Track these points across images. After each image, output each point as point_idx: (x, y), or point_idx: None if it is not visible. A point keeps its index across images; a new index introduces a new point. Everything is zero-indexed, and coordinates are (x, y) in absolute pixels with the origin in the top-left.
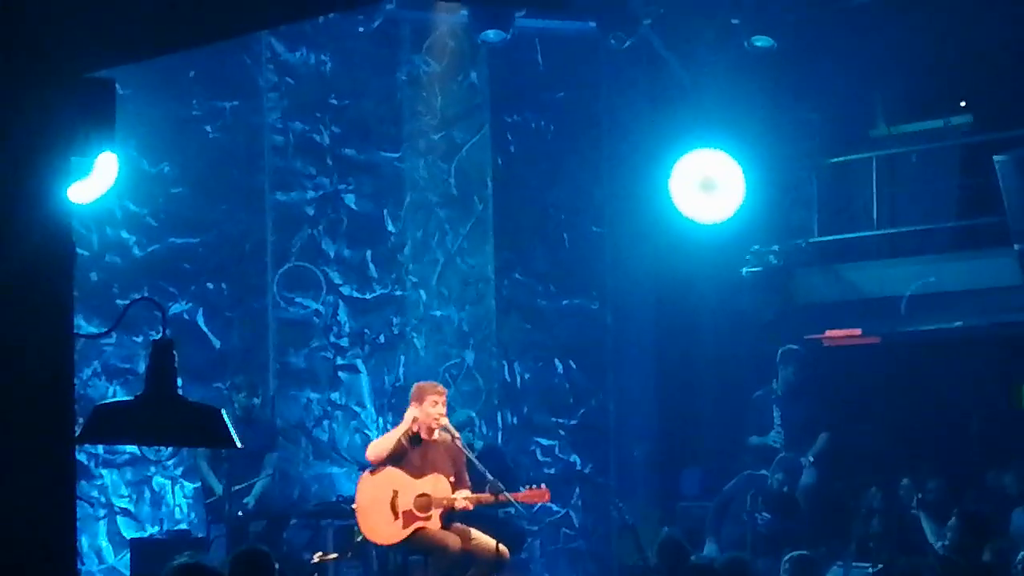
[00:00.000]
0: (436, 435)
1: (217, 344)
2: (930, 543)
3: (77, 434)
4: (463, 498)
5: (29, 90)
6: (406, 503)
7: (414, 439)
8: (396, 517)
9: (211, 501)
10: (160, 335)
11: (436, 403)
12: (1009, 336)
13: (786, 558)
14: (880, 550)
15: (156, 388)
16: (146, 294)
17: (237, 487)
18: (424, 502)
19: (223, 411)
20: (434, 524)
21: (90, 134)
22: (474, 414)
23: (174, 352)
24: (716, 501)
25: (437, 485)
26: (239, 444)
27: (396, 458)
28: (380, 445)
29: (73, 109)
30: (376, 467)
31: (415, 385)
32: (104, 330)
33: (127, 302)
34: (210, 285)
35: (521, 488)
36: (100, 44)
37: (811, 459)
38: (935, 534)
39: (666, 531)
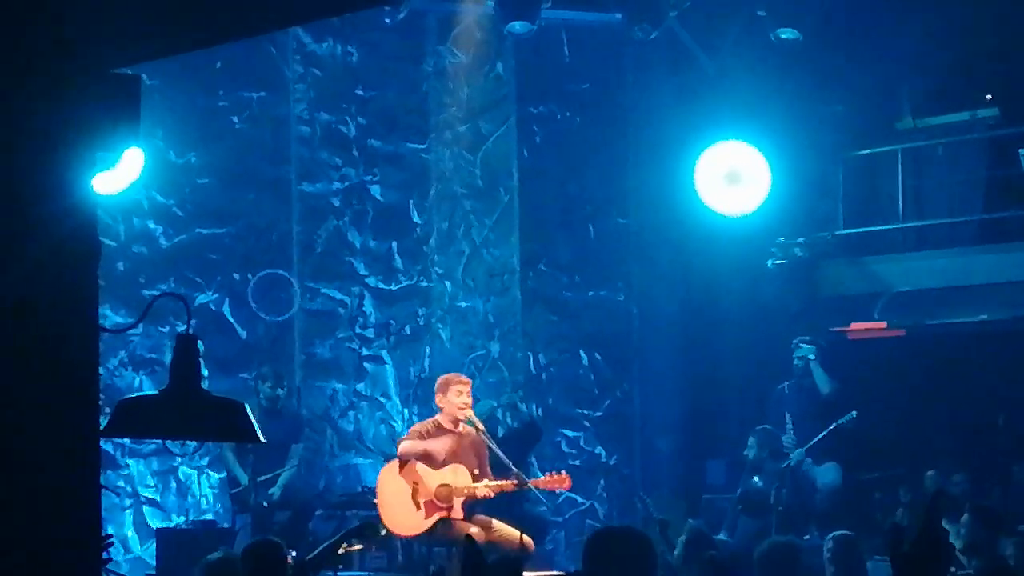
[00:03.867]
0: (461, 427)
1: (243, 334)
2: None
3: (102, 428)
4: (484, 486)
5: (55, 85)
6: (427, 494)
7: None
8: (418, 508)
9: (236, 491)
10: (186, 327)
11: (460, 393)
12: None
13: (829, 536)
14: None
15: (180, 382)
16: (172, 284)
17: (263, 477)
18: (445, 492)
19: (247, 405)
20: (456, 514)
21: (115, 130)
22: (496, 404)
23: (198, 346)
24: (736, 497)
25: (457, 475)
26: (262, 439)
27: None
28: (412, 450)
29: (99, 104)
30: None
31: (440, 377)
32: (130, 321)
33: (154, 292)
34: (236, 276)
35: (540, 474)
36: (127, 40)
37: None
38: (955, 536)
39: (691, 523)
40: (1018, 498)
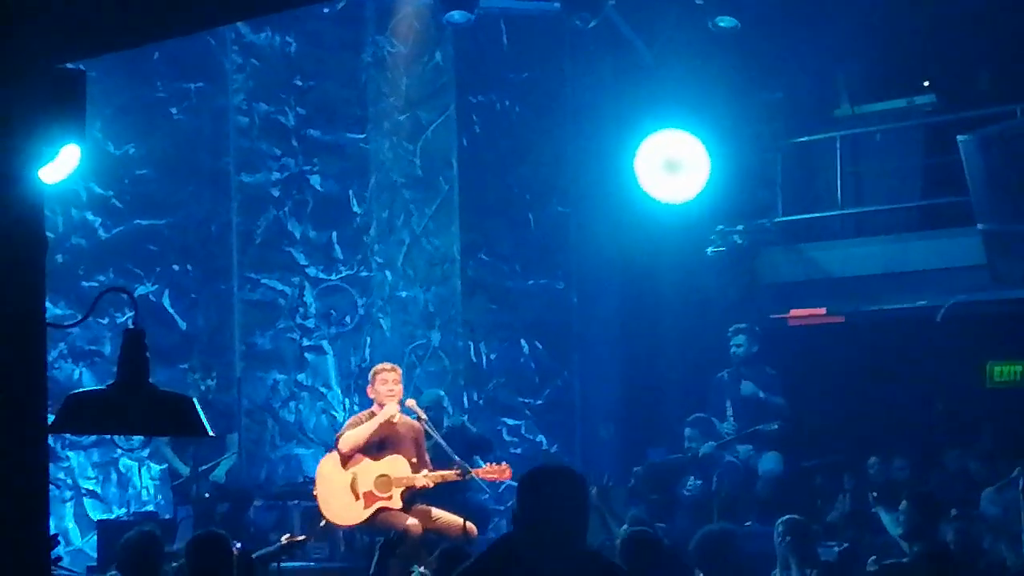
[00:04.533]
0: (397, 416)
1: (183, 326)
2: (893, 536)
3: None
4: (424, 476)
5: (1, 80)
6: (366, 484)
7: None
8: (357, 498)
9: (178, 483)
10: (126, 318)
11: (385, 381)
12: (972, 315)
13: (780, 521)
14: (847, 528)
15: (128, 377)
16: (111, 276)
17: (205, 467)
18: (384, 482)
19: (195, 400)
20: (395, 504)
21: (62, 124)
22: (443, 393)
23: (145, 341)
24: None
25: (395, 465)
26: (211, 432)
27: None
28: (355, 439)
29: (44, 99)
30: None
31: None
32: (69, 313)
33: (93, 284)
34: (176, 267)
35: (482, 464)
36: (73, 35)
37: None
38: (895, 523)
39: (633, 512)
40: (955, 482)
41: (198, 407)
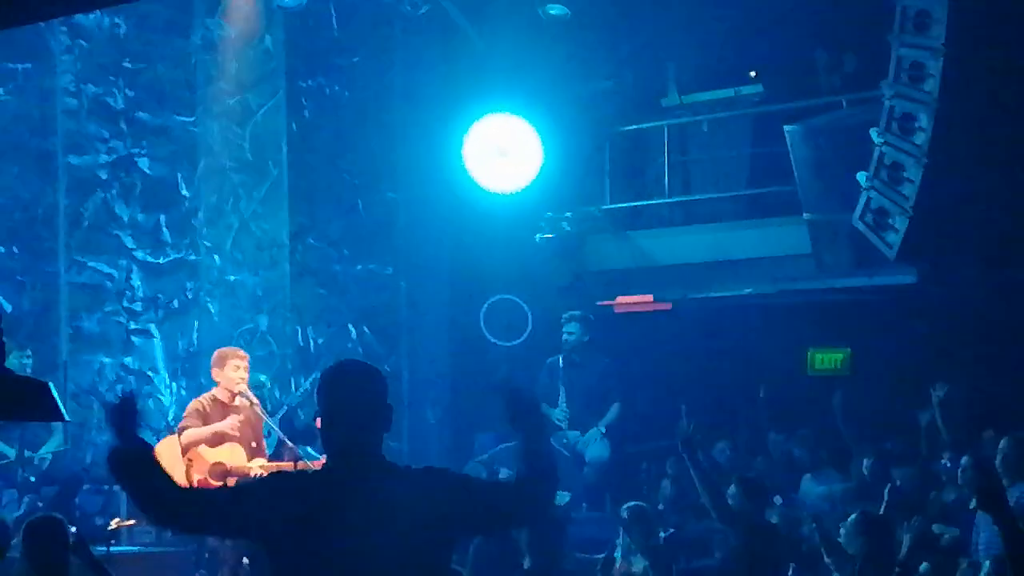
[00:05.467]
0: (237, 401)
1: (8, 308)
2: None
3: None
4: (259, 466)
5: None
6: (201, 471)
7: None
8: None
9: (2, 464)
10: None
11: (238, 368)
12: (798, 303)
13: (624, 507)
14: (671, 514)
15: None
16: None
17: (30, 453)
18: (219, 471)
19: (51, 384)
20: None
21: None
22: (265, 378)
23: (1, 327)
24: None
25: (233, 453)
26: (67, 417)
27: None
28: (195, 437)
29: None
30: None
31: (216, 351)
32: None
33: None
34: (1, 249)
35: (318, 456)
36: None
37: (603, 430)
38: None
39: None
40: (779, 467)
41: (54, 392)
